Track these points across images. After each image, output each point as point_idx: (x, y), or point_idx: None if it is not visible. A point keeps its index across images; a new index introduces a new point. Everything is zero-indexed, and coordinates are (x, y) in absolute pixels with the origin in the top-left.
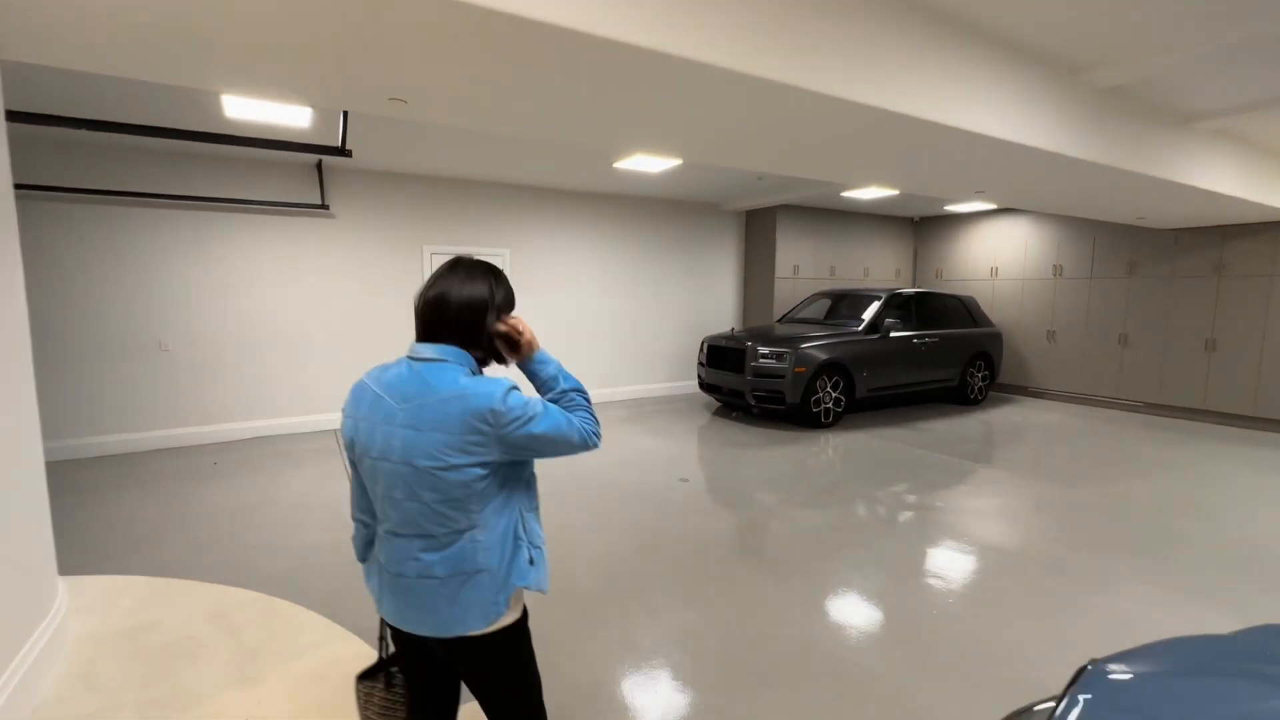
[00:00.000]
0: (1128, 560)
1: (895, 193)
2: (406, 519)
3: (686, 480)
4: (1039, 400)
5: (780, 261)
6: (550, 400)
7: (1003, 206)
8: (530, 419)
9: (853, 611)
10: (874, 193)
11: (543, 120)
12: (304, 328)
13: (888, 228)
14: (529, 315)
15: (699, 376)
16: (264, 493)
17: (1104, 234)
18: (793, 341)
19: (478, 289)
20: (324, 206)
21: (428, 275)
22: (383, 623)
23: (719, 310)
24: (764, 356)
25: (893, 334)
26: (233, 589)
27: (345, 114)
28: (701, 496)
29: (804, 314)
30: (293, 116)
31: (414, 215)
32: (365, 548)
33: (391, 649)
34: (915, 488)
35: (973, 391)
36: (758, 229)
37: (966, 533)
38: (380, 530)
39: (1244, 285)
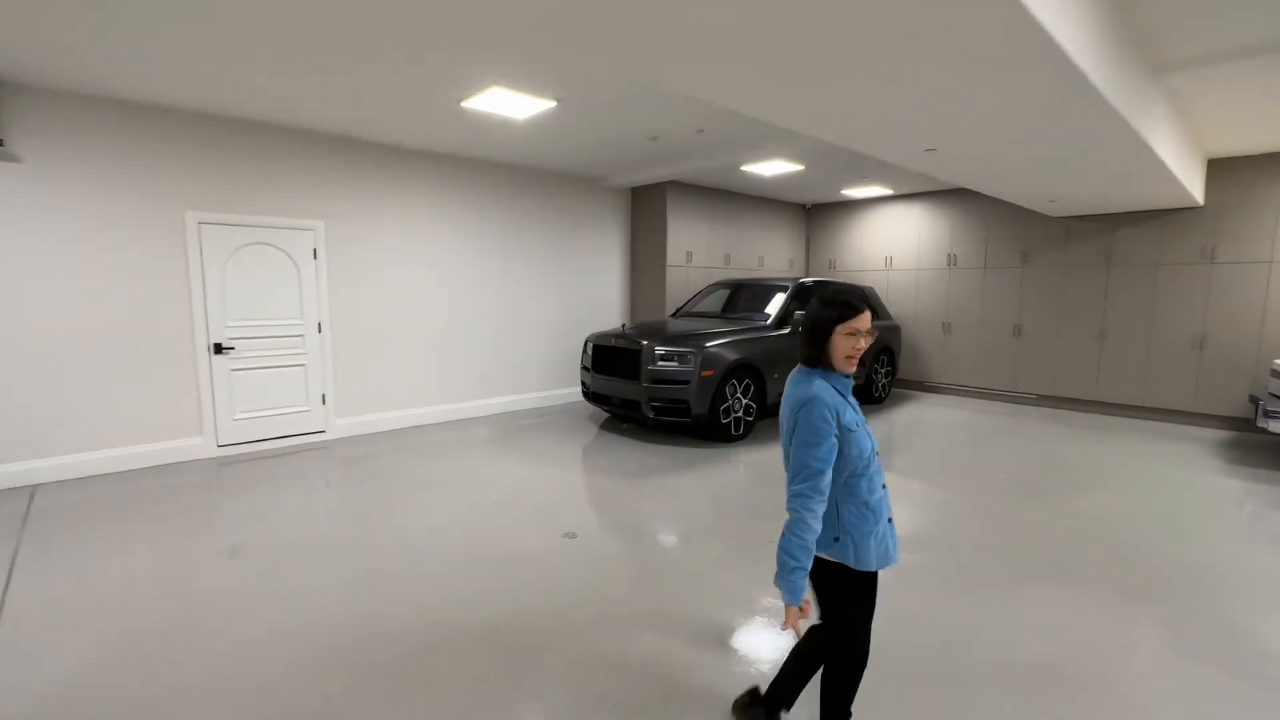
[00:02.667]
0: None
1: (798, 168)
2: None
3: (575, 535)
4: (938, 395)
5: (672, 247)
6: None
7: (943, 182)
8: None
9: None
10: (776, 167)
11: None
12: None
13: (781, 214)
14: (352, 309)
15: (583, 384)
16: None
17: (997, 222)
18: (696, 339)
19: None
20: None
21: (194, 255)
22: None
23: (603, 304)
24: (663, 358)
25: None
26: None
27: None
28: (599, 562)
29: (701, 307)
30: None
31: (168, 167)
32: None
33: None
34: None
35: (877, 389)
36: (645, 209)
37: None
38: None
39: (1132, 275)
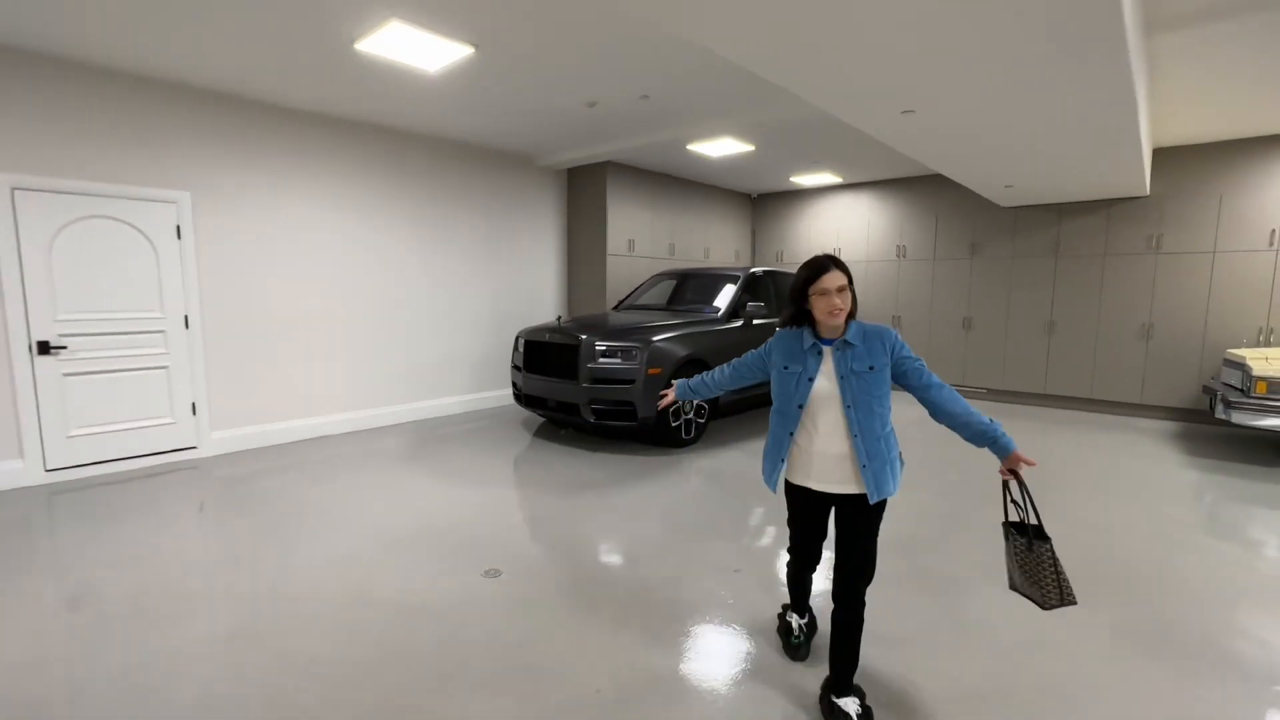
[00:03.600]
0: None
1: (748, 149)
2: None
3: (498, 573)
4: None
5: (613, 234)
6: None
7: (899, 167)
8: None
9: None
10: (725, 147)
11: None
12: None
13: (727, 204)
14: (230, 300)
15: (514, 386)
16: None
17: (946, 212)
18: (642, 333)
19: None
20: None
21: (6, 229)
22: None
23: (538, 297)
24: (605, 355)
25: (756, 321)
26: None
27: None
28: (527, 608)
29: (645, 299)
30: None
31: None
32: None
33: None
34: None
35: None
36: (584, 193)
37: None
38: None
39: (1079, 265)
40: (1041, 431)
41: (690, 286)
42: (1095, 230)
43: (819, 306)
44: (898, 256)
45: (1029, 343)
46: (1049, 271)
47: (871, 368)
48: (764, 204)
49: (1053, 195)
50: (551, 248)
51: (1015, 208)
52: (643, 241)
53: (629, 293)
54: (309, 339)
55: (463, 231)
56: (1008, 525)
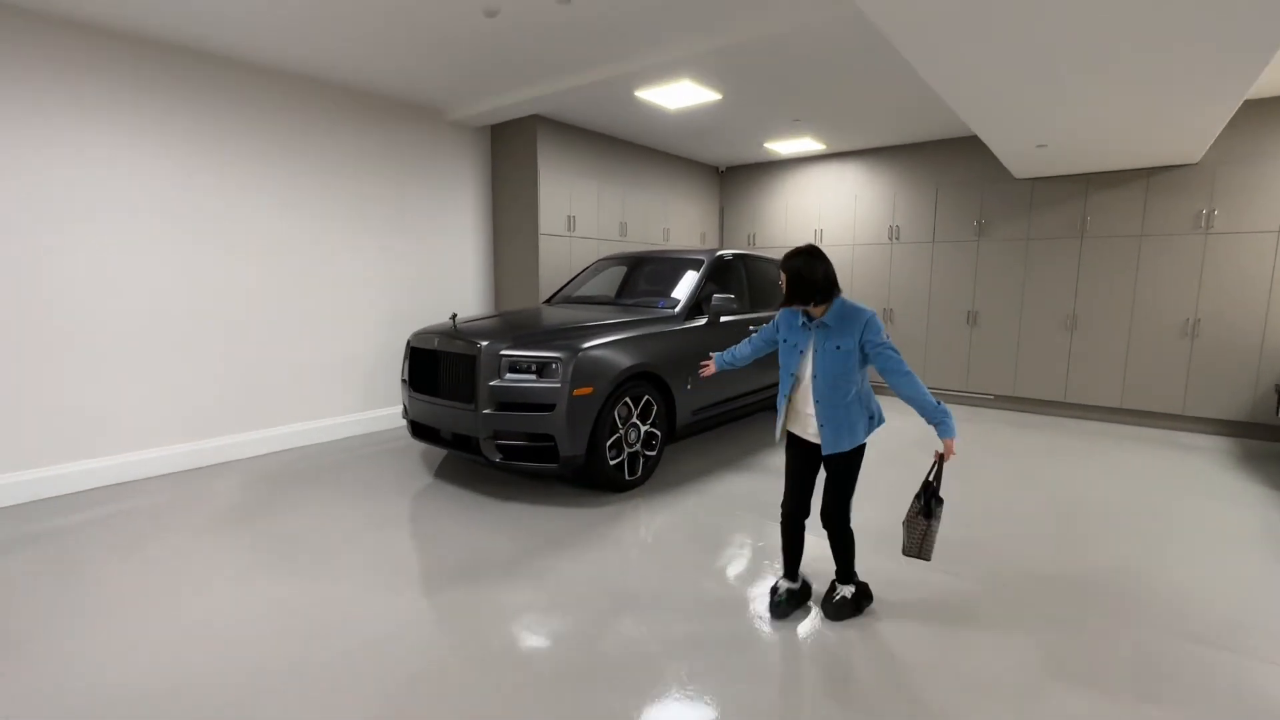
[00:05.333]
0: None
1: (713, 98)
2: None
3: None
4: (880, 398)
5: (547, 209)
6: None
7: (947, 102)
8: None
9: None
10: (684, 94)
11: None
12: None
13: (690, 177)
14: None
15: (404, 408)
16: None
17: (949, 186)
18: (567, 338)
19: None
20: None
21: None
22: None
23: (455, 286)
24: (514, 368)
25: (724, 319)
26: None
27: None
28: None
29: (587, 290)
30: None
31: None
32: None
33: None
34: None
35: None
36: (510, 157)
37: None
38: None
39: (1109, 248)
40: (1060, 450)
41: (644, 275)
42: (1130, 205)
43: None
44: (890, 239)
45: (1046, 341)
46: (1072, 256)
47: (839, 347)
48: (734, 179)
49: (1084, 162)
50: (471, 223)
51: (1033, 179)
52: (586, 219)
53: (567, 282)
54: (122, 345)
55: (350, 201)
56: (921, 490)
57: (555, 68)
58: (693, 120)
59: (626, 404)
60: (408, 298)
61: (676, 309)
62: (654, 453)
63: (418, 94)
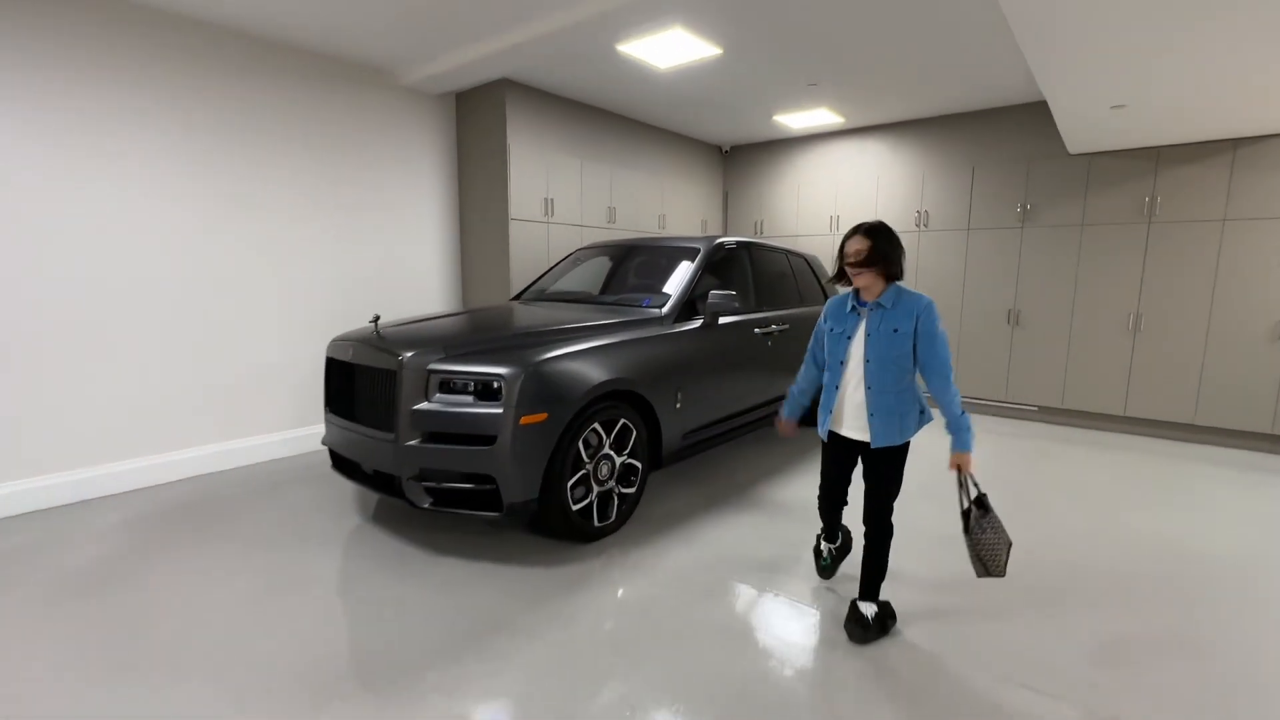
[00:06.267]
0: None
1: (713, 53)
2: None
3: None
4: None
5: (519, 190)
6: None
7: (1018, 40)
8: None
9: None
10: (678, 49)
11: None
12: None
13: (690, 158)
14: None
15: (326, 434)
16: None
17: (987, 164)
18: (519, 348)
19: None
20: None
21: None
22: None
23: (414, 280)
24: (445, 387)
25: (723, 320)
26: None
27: None
28: None
29: (564, 284)
30: None
31: None
32: None
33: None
34: None
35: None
36: (476, 129)
37: None
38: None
39: (1183, 235)
40: (1124, 474)
41: (632, 267)
42: (1211, 184)
43: (848, 270)
44: (917, 226)
45: (1104, 346)
46: (1137, 244)
47: (896, 330)
48: (739, 159)
49: (1158, 132)
50: (434, 212)
51: (1090, 154)
52: (567, 203)
53: (541, 275)
54: (24, 350)
55: (291, 180)
56: (964, 513)
57: (518, 15)
58: (690, 85)
59: (596, 431)
60: (360, 296)
61: (664, 308)
62: (633, 489)
63: (362, 52)
